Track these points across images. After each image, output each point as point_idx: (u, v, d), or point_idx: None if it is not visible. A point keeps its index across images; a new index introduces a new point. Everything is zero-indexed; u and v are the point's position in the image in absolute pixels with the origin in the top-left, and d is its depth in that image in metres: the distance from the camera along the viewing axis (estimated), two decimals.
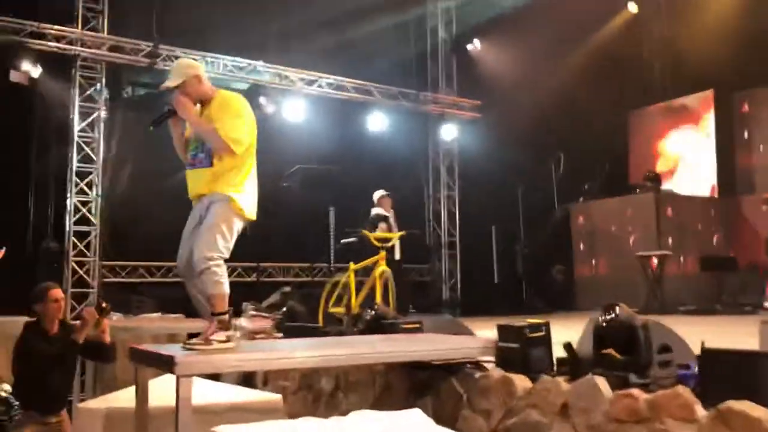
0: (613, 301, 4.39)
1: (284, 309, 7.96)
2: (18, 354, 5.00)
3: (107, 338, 5.18)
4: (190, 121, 4.13)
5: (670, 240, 11.96)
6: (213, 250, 3.92)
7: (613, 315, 4.09)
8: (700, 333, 4.27)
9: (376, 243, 7.19)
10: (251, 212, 4.12)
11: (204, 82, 4.19)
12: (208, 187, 4.04)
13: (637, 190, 13.20)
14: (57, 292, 5.15)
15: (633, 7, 15.77)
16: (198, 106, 4.20)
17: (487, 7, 13.43)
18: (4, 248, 3.54)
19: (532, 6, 13.11)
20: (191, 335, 4.44)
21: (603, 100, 14.28)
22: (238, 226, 4.08)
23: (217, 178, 4.03)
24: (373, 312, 5.60)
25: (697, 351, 3.76)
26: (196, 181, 4.11)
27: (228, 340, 3.96)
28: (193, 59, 10.74)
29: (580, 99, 14.03)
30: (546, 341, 4.37)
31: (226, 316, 4.02)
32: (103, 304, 5.22)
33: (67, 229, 10.08)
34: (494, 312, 11.91)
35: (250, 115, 4.17)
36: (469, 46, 14.28)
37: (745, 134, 13.59)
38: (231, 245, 4.04)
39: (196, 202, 4.15)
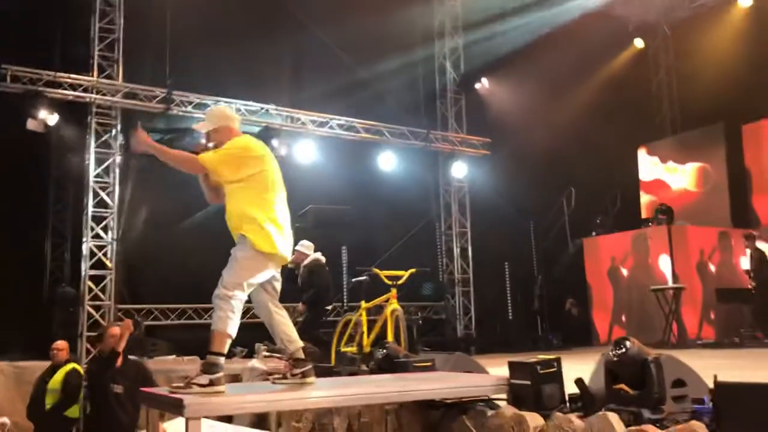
0: (630, 335, 4.38)
1: None
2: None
3: None
4: (156, 153, 4.21)
5: (685, 272, 11.89)
6: (224, 285, 4.03)
7: (624, 350, 4.07)
8: (717, 366, 4.24)
9: (387, 281, 7.21)
10: (270, 246, 4.10)
11: (233, 132, 4.36)
12: (232, 227, 4.20)
13: (650, 223, 13.18)
14: (113, 329, 5.93)
15: (639, 43, 15.94)
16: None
17: (493, 46, 13.61)
18: None
19: (538, 44, 13.30)
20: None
21: (612, 134, 14.35)
22: (260, 262, 4.12)
23: (233, 217, 4.17)
24: (384, 351, 5.59)
25: (710, 384, 3.74)
26: (227, 221, 4.26)
27: (211, 383, 3.87)
28: (201, 103, 11.04)
29: (589, 134, 14.11)
30: (558, 377, 4.34)
31: (219, 359, 3.95)
32: (138, 318, 5.85)
33: (83, 273, 10.16)
34: (510, 349, 11.85)
35: (243, 148, 4.24)
36: (477, 85, 14.45)
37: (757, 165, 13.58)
38: (246, 280, 4.08)
39: None
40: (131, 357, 5.90)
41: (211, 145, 4.35)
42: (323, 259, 8.61)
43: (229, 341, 4.03)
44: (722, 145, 14.30)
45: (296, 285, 8.35)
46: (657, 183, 15.60)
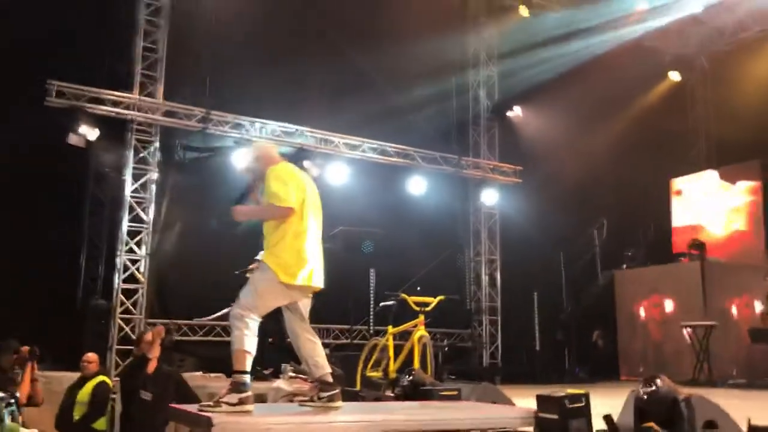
0: (658, 372, 4.34)
1: None
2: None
3: None
4: (252, 216, 4.40)
5: (716, 310, 11.68)
6: (239, 306, 4.11)
7: (654, 387, 4.03)
8: (749, 408, 4.17)
9: (415, 307, 7.21)
10: (290, 276, 4.16)
11: (273, 160, 4.46)
12: (264, 246, 4.30)
13: (682, 258, 13.02)
14: (147, 335, 6.00)
15: (675, 76, 15.85)
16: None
17: (528, 75, 13.64)
18: None
19: (573, 74, 13.29)
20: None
21: (646, 167, 14.25)
22: (276, 290, 4.18)
23: (267, 238, 4.28)
24: (411, 377, 5.58)
25: (744, 427, 3.68)
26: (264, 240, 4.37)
27: (240, 402, 3.93)
28: (239, 123, 11.25)
29: (622, 165, 14.03)
30: (586, 413, 4.30)
31: (244, 377, 4.02)
32: (171, 326, 5.89)
33: (116, 286, 10.33)
34: (535, 380, 11.75)
35: (293, 178, 4.33)
36: (510, 113, 14.46)
37: None
38: (261, 305, 4.16)
39: None
40: (166, 367, 5.95)
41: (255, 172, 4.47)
42: None
43: (250, 358, 4.08)
44: (758, 181, 14.10)
45: None
46: (690, 217, 15.39)
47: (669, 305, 12.60)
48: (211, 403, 3.97)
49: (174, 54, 10.92)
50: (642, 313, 13.19)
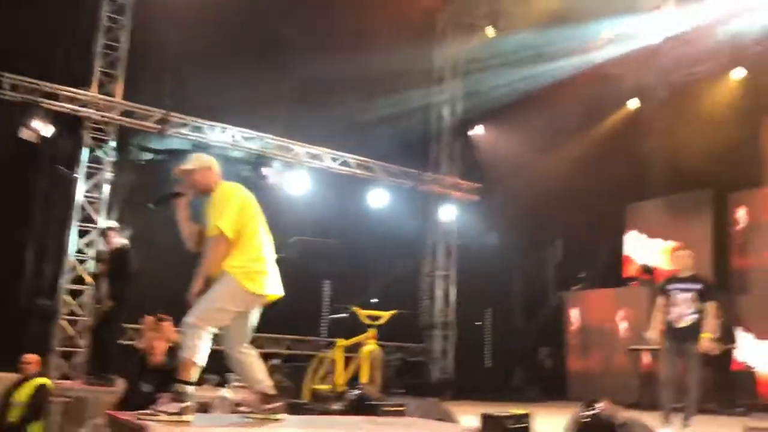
0: (605, 394, 4.38)
1: None
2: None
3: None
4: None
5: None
6: (195, 316, 4.02)
7: (594, 411, 4.07)
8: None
9: (365, 320, 7.19)
10: (257, 285, 4.12)
11: (213, 176, 4.37)
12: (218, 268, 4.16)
13: (632, 282, 13.24)
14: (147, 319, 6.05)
15: (634, 103, 16.17)
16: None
17: (493, 94, 13.78)
18: None
19: (536, 96, 13.46)
20: None
21: (601, 190, 14.45)
22: (239, 300, 4.13)
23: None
24: (358, 392, 5.54)
25: None
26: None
27: (180, 412, 3.88)
28: (198, 126, 11.11)
29: (578, 188, 14.22)
30: None
31: (188, 387, 3.97)
32: (161, 316, 5.97)
33: (61, 287, 10.07)
34: (484, 397, 11.78)
35: (239, 199, 4.26)
36: (472, 132, 14.59)
37: (740, 235, 13.68)
38: (219, 316, 4.09)
39: None
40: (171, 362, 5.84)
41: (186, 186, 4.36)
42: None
43: (197, 370, 4.03)
44: (709, 211, 14.39)
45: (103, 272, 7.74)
46: (642, 243, 15.63)
47: (618, 328, 12.79)
48: (149, 412, 3.89)
49: (135, 53, 10.76)
50: (591, 334, 13.35)
